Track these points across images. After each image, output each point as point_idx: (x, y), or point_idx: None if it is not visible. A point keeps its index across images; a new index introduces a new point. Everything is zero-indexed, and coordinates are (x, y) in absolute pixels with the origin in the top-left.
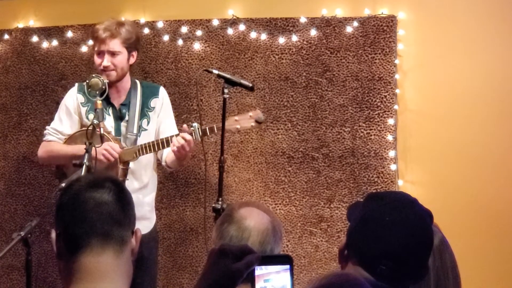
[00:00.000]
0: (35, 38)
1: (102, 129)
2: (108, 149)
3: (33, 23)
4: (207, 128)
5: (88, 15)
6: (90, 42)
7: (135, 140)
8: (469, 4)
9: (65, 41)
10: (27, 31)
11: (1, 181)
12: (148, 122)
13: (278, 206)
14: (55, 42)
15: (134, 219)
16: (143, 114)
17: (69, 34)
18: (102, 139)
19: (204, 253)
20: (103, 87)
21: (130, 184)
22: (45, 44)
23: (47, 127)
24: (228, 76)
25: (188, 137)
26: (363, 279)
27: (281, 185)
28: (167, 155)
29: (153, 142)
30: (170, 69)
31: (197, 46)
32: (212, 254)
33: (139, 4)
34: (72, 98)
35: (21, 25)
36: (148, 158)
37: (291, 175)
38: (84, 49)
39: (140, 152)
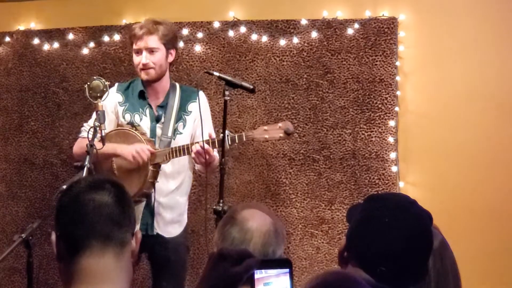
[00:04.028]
0: (36, 41)
1: (103, 131)
2: (140, 152)
3: (34, 25)
4: (236, 136)
5: (89, 17)
6: (92, 45)
7: (169, 143)
8: (470, 6)
9: (66, 43)
10: (28, 34)
11: (2, 183)
12: (184, 126)
13: (279, 208)
14: (56, 44)
15: (134, 221)
16: (179, 117)
17: (70, 36)
18: (103, 141)
19: (205, 255)
20: (104, 89)
21: (165, 186)
22: (46, 46)
23: (84, 124)
24: (229, 78)
25: (206, 146)
26: (360, 277)
27: (282, 187)
28: None
29: (182, 146)
30: (171, 71)
31: (198, 48)
32: (211, 258)
33: (139, 6)
34: (111, 97)
35: (22, 27)
36: (182, 161)
37: (292, 177)
38: (85, 51)
39: (171, 155)
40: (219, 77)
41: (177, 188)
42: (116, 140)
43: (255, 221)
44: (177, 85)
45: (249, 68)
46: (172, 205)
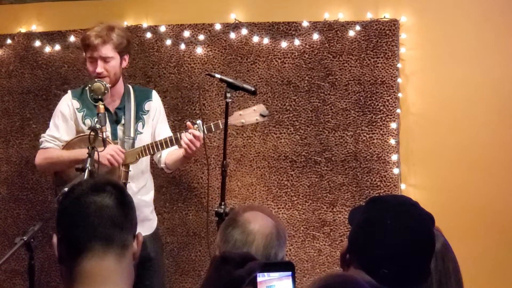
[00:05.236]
0: (37, 43)
1: (104, 133)
2: (114, 155)
3: (35, 27)
4: (211, 124)
5: (91, 20)
6: None
7: (133, 143)
8: (471, 8)
9: (68, 45)
10: (30, 36)
11: (4, 186)
12: (144, 125)
13: (281, 210)
14: (57, 47)
15: (135, 223)
16: (138, 118)
17: (72, 38)
18: (105, 143)
19: (207, 258)
20: (105, 91)
21: (129, 188)
22: (47, 49)
23: (42, 135)
24: (230, 80)
25: (197, 133)
26: (362, 280)
27: (283, 189)
28: (167, 156)
29: (157, 142)
30: (172, 73)
31: (199, 50)
32: (213, 261)
33: (141, 8)
34: (67, 104)
35: (23, 29)
36: (146, 162)
37: (293, 179)
38: None
39: (143, 153)
40: (221, 79)
41: (143, 188)
42: (81, 146)
43: (257, 223)
44: (130, 86)
45: (251, 70)
46: (141, 204)
